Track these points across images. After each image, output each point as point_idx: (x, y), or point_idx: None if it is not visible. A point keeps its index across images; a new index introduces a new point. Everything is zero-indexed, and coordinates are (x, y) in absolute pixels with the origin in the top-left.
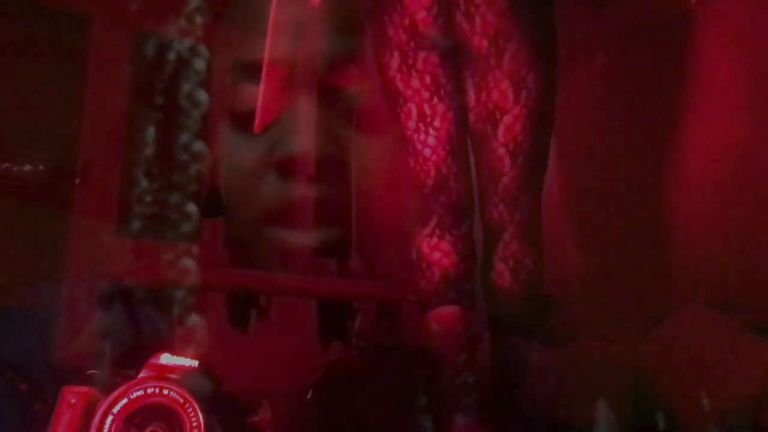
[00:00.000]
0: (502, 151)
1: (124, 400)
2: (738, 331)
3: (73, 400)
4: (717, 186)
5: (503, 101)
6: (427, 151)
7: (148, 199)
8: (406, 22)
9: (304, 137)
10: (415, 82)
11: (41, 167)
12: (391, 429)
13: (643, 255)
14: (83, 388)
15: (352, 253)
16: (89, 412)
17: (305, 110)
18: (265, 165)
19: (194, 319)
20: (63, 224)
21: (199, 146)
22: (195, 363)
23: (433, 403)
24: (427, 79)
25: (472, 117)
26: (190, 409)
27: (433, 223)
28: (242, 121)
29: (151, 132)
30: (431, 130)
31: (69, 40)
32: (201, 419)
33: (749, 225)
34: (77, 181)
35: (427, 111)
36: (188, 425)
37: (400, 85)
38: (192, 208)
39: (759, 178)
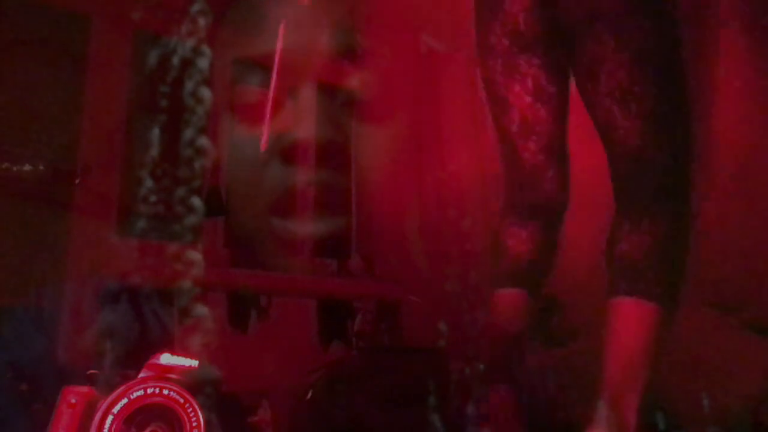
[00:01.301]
0: (607, 102)
1: (124, 400)
2: (738, 331)
3: (73, 400)
4: (716, 184)
5: (602, 50)
6: (527, 155)
7: (150, 198)
8: (509, 27)
9: (304, 137)
10: (517, 87)
11: (41, 167)
12: (391, 429)
13: None
14: (83, 388)
15: (352, 253)
16: (89, 412)
17: (306, 110)
18: (265, 164)
19: (196, 319)
20: (63, 224)
21: (201, 144)
22: (195, 363)
23: (439, 401)
24: (529, 83)
25: (576, 80)
26: (190, 409)
27: (518, 215)
28: (243, 120)
29: (151, 131)
30: (533, 136)
31: (69, 40)
32: (201, 419)
33: (750, 224)
34: (77, 181)
35: (530, 117)
36: (188, 425)
37: (503, 90)
38: (194, 206)
39: (760, 176)
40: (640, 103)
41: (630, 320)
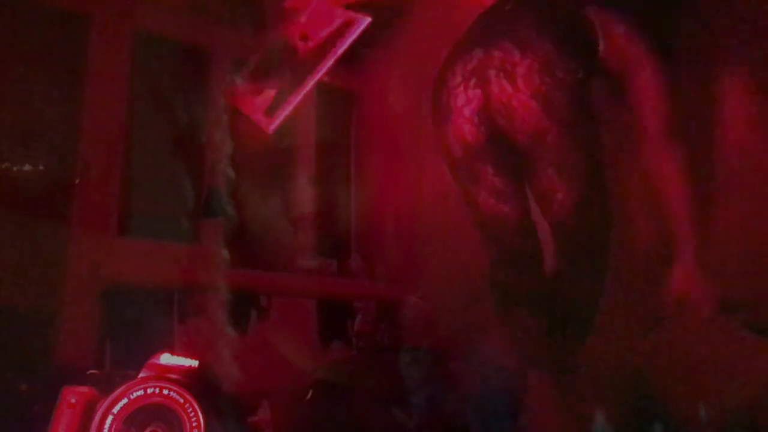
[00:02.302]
0: (562, 217)
1: (124, 400)
2: (738, 331)
3: (73, 400)
4: (718, 186)
5: (551, 183)
6: (498, 232)
7: (149, 198)
8: (458, 135)
9: (303, 138)
10: (479, 190)
11: (41, 167)
12: (390, 428)
13: (643, 254)
14: (83, 388)
15: (352, 253)
16: (89, 412)
17: (305, 111)
18: (265, 165)
19: (195, 319)
20: (63, 224)
21: (201, 144)
22: (195, 363)
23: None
24: (488, 187)
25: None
26: (190, 409)
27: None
28: (242, 120)
29: (151, 132)
30: (498, 223)
31: (69, 40)
32: (201, 419)
33: (750, 224)
34: (77, 181)
35: (491, 213)
36: (188, 425)
37: (467, 186)
38: (194, 207)
39: (759, 176)
40: (561, 204)
41: None
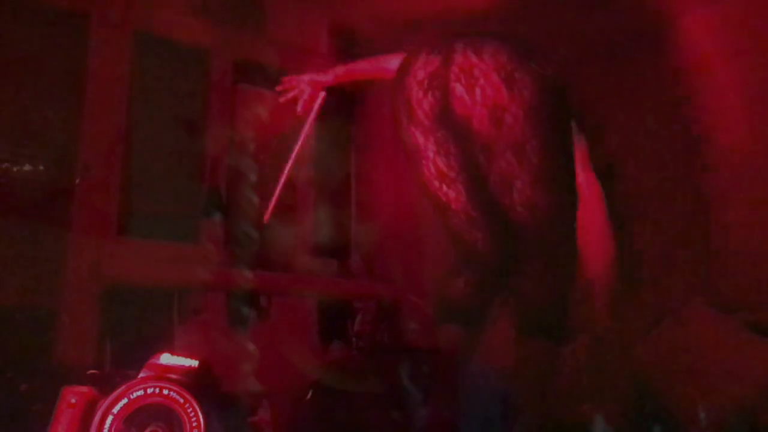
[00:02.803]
0: (520, 209)
1: (124, 400)
2: (738, 331)
3: (73, 400)
4: (716, 185)
5: (510, 168)
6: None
7: (149, 198)
8: (405, 99)
9: (304, 140)
10: (422, 169)
11: (41, 167)
12: (390, 429)
13: (643, 255)
14: (83, 388)
15: (352, 253)
16: (89, 412)
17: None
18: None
19: (195, 319)
20: (63, 224)
21: (201, 145)
22: (195, 363)
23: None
24: (430, 168)
25: (489, 183)
26: (190, 409)
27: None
28: (242, 122)
29: (151, 132)
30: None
31: (69, 40)
32: (201, 419)
33: (750, 224)
34: (78, 181)
35: (439, 192)
36: (188, 425)
37: (415, 163)
38: (193, 207)
39: (757, 177)
40: (544, 212)
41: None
